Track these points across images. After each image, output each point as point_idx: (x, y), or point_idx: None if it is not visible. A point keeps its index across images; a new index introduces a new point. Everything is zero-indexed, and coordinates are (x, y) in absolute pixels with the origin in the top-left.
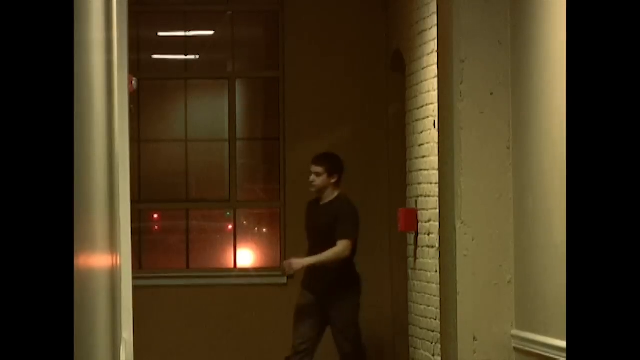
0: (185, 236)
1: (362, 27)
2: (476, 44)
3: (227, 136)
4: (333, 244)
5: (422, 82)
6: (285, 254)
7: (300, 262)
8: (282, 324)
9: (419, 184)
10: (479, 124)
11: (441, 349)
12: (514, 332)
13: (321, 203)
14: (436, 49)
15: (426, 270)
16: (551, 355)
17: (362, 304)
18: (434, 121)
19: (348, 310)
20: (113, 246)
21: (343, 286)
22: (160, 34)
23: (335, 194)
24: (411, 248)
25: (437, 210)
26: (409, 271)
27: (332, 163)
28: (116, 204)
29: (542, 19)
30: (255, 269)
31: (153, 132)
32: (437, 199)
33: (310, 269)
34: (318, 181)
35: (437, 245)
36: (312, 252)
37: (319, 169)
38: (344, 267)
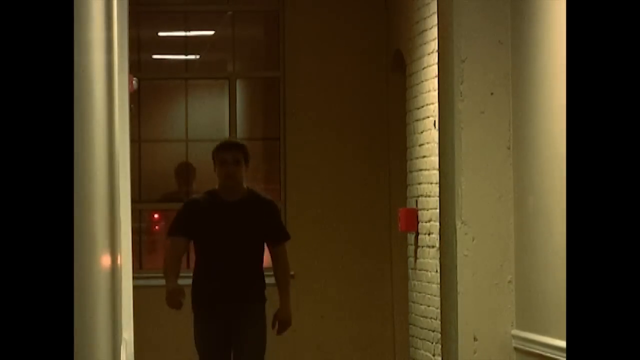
0: None
1: (362, 27)
2: (476, 44)
3: (227, 136)
4: (252, 250)
5: (422, 82)
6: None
7: (287, 311)
8: None
9: (420, 184)
10: (479, 124)
11: (441, 349)
12: (515, 332)
13: (229, 200)
14: (436, 48)
15: (426, 270)
16: (551, 355)
17: (363, 304)
18: (434, 121)
19: (262, 326)
20: (113, 246)
21: (257, 297)
22: (161, 34)
23: (245, 187)
24: (411, 248)
25: (438, 210)
26: (410, 271)
27: (245, 146)
28: (116, 204)
29: (542, 19)
30: None
31: (153, 132)
32: (438, 199)
33: (215, 284)
34: (238, 171)
35: (437, 245)
36: (213, 262)
37: (237, 155)
38: (261, 275)
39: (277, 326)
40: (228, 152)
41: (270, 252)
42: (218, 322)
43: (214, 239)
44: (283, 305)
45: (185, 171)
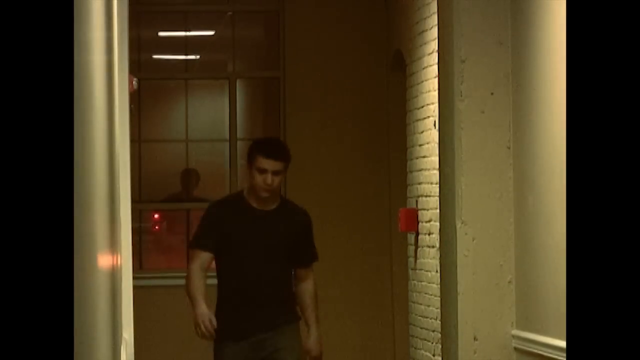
0: (185, 236)
1: (362, 27)
2: (476, 44)
3: (227, 136)
4: (283, 267)
5: (422, 82)
6: None
7: (319, 343)
8: None
9: (420, 183)
10: (479, 123)
11: (442, 349)
12: (515, 332)
13: (260, 209)
14: (437, 49)
15: (427, 270)
16: (551, 355)
17: (363, 304)
18: (435, 121)
19: (299, 350)
20: (113, 246)
21: (290, 319)
22: (161, 34)
23: (278, 195)
24: (412, 248)
25: (438, 210)
26: (410, 271)
27: (288, 154)
28: (116, 204)
29: (542, 19)
30: None
31: (153, 132)
32: (438, 199)
33: (243, 309)
34: (277, 182)
35: (437, 245)
36: (239, 282)
37: (279, 166)
38: (291, 295)
39: None
40: (271, 161)
41: (295, 274)
42: (246, 356)
43: (240, 254)
44: (313, 335)
45: (188, 177)
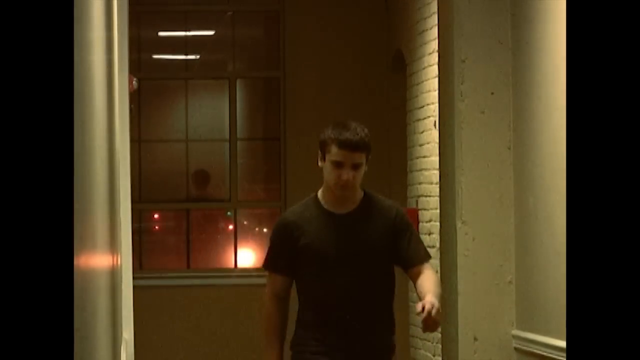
0: (185, 236)
1: (362, 27)
2: (477, 44)
3: (227, 136)
4: (379, 281)
5: (422, 82)
6: None
7: (437, 303)
8: None
9: (420, 184)
10: (480, 124)
11: (442, 349)
12: (515, 332)
13: (344, 211)
14: (437, 48)
15: None
16: (552, 355)
17: None
18: (435, 121)
19: None
20: (113, 246)
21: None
22: (161, 34)
23: (361, 191)
24: None
25: (438, 210)
26: None
27: (369, 141)
28: (116, 204)
29: (543, 19)
30: (256, 269)
31: (153, 132)
32: (438, 198)
33: (333, 340)
34: (358, 177)
35: (437, 245)
36: (325, 307)
37: (359, 157)
38: (392, 316)
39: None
40: (349, 153)
41: (410, 277)
42: None
43: (320, 270)
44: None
45: (201, 178)
